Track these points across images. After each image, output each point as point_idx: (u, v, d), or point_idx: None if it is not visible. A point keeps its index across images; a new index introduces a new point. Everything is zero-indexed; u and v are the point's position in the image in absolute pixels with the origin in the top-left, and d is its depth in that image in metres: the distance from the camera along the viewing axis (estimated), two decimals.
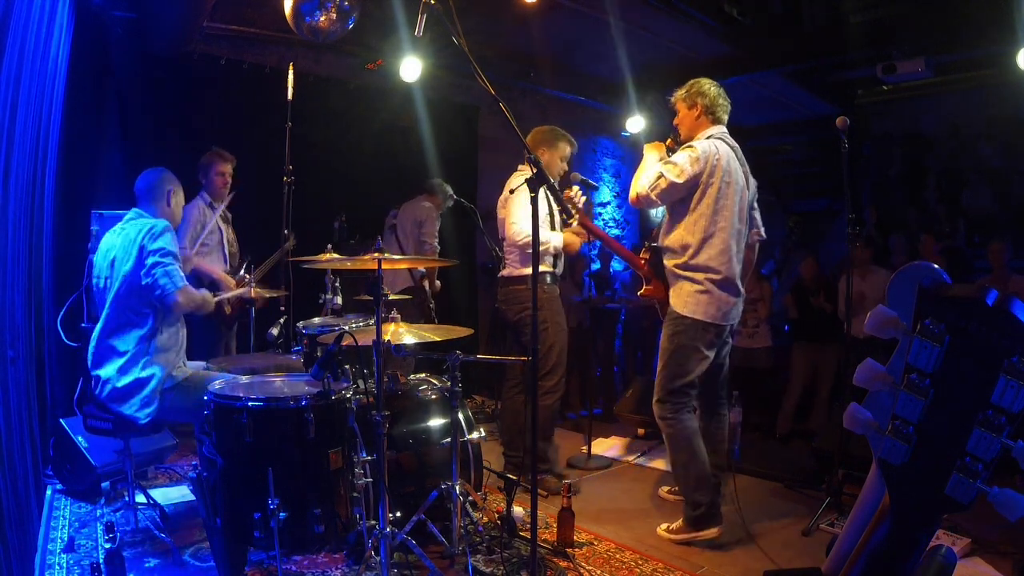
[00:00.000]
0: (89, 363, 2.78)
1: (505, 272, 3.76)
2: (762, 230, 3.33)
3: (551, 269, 3.72)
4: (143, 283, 2.69)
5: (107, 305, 2.77)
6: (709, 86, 3.22)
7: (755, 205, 3.24)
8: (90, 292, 3.01)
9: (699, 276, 3.01)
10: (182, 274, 2.76)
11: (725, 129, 3.18)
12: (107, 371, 2.71)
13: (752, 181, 3.19)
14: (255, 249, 4.37)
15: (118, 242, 2.79)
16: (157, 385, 2.70)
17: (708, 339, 3.03)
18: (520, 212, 3.54)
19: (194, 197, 4.10)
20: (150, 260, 2.68)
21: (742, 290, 3.11)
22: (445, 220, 5.75)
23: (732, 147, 3.12)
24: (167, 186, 2.93)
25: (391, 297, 3.18)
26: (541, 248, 3.73)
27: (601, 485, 3.87)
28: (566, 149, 3.84)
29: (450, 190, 5.29)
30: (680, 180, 2.98)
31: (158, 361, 2.74)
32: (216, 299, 3.15)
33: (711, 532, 2.99)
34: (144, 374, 2.70)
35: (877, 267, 5.05)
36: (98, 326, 2.79)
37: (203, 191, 4.15)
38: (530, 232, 3.47)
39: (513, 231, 3.59)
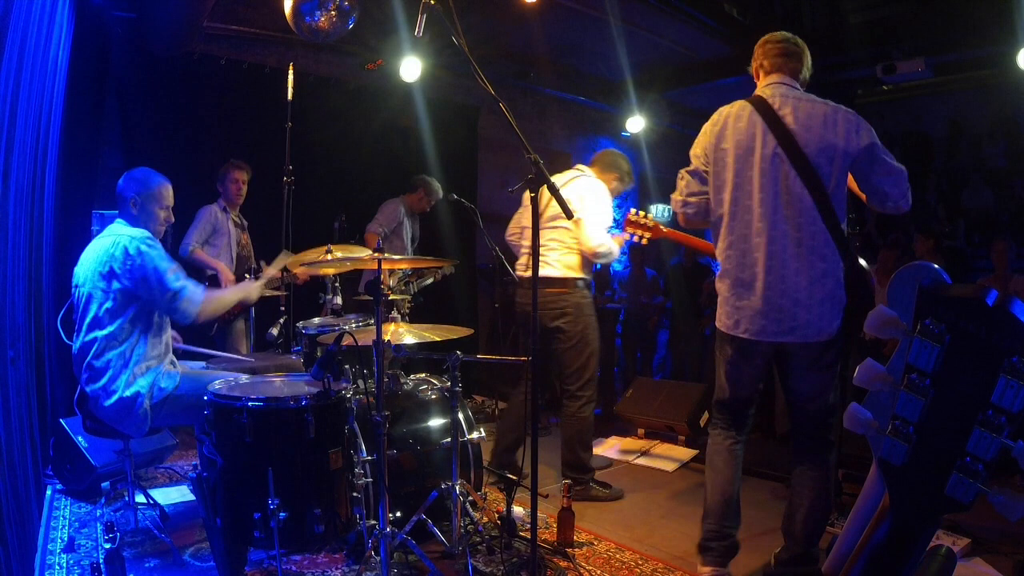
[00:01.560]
0: (78, 378, 2.73)
1: (542, 273, 3.49)
2: (889, 198, 2.39)
3: (586, 276, 3.57)
4: (170, 316, 2.67)
5: (84, 321, 2.66)
6: (769, 35, 2.59)
7: (869, 164, 2.37)
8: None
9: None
10: (193, 285, 2.69)
11: (777, 80, 2.51)
12: (92, 388, 2.64)
13: (845, 133, 2.34)
14: (254, 249, 4.38)
15: (92, 255, 2.67)
16: (145, 403, 2.62)
17: (729, 352, 2.52)
18: (600, 219, 3.42)
19: (211, 202, 4.33)
20: (167, 291, 2.59)
21: (762, 289, 2.38)
22: (445, 220, 5.75)
23: (764, 102, 2.44)
24: (129, 192, 2.75)
25: (392, 297, 3.18)
26: (611, 259, 3.63)
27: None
28: (622, 190, 3.75)
29: (437, 185, 5.18)
30: (693, 166, 2.62)
31: (140, 374, 2.64)
32: (262, 282, 3.08)
33: (700, 569, 2.61)
34: (128, 393, 2.60)
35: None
36: (77, 341, 2.69)
37: (220, 198, 4.37)
38: (606, 242, 3.45)
39: (595, 242, 3.42)
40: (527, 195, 3.63)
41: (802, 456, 2.53)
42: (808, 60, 2.58)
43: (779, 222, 2.38)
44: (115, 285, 2.60)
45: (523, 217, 3.69)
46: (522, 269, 3.63)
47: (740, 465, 2.59)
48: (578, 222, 3.41)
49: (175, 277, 2.64)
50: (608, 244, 3.47)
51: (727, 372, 2.57)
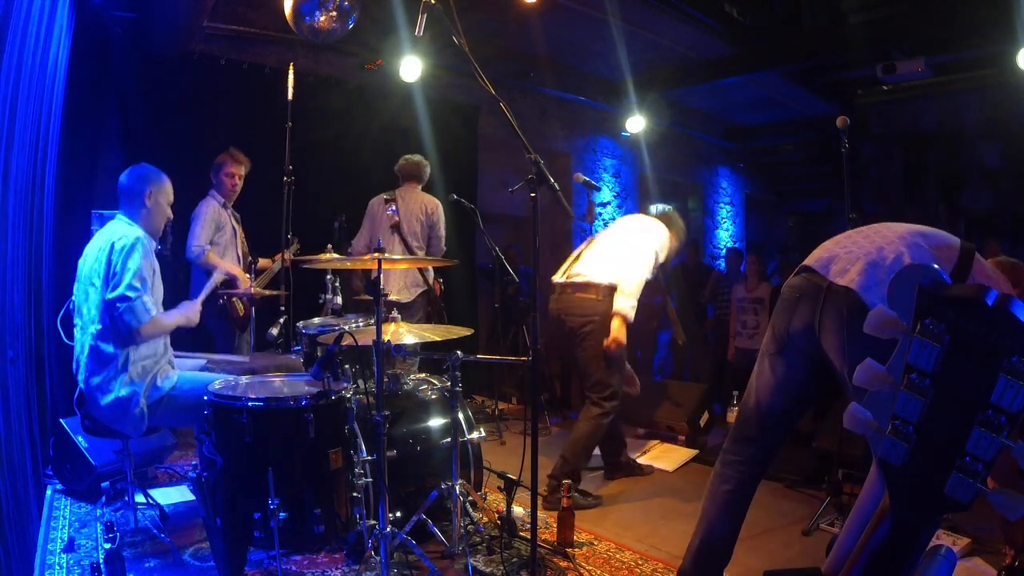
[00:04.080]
0: (76, 376, 2.73)
1: (577, 279, 3.53)
2: None
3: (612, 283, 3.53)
4: (111, 315, 2.59)
5: (82, 320, 2.68)
6: None
7: None
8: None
9: None
10: (148, 305, 2.62)
11: None
12: (89, 387, 2.65)
13: None
14: (255, 249, 4.38)
15: (92, 251, 2.68)
16: (141, 402, 2.62)
17: None
18: (644, 261, 3.48)
19: (204, 195, 4.12)
20: (116, 292, 2.55)
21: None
22: (445, 220, 5.73)
23: None
24: (145, 186, 2.76)
25: (396, 299, 3.18)
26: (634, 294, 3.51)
27: (601, 485, 3.87)
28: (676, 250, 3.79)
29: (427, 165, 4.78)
30: None
31: (136, 375, 2.63)
32: (202, 298, 3.06)
33: None
34: (124, 392, 2.60)
35: None
36: (76, 338, 2.70)
37: (213, 190, 4.14)
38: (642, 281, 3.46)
39: (634, 280, 3.44)
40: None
41: None
42: None
43: None
44: (105, 282, 2.60)
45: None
46: (558, 276, 3.66)
47: (739, 516, 2.27)
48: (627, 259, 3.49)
49: (132, 286, 2.57)
50: (634, 303, 3.44)
51: None
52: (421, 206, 4.59)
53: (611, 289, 3.46)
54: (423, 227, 4.57)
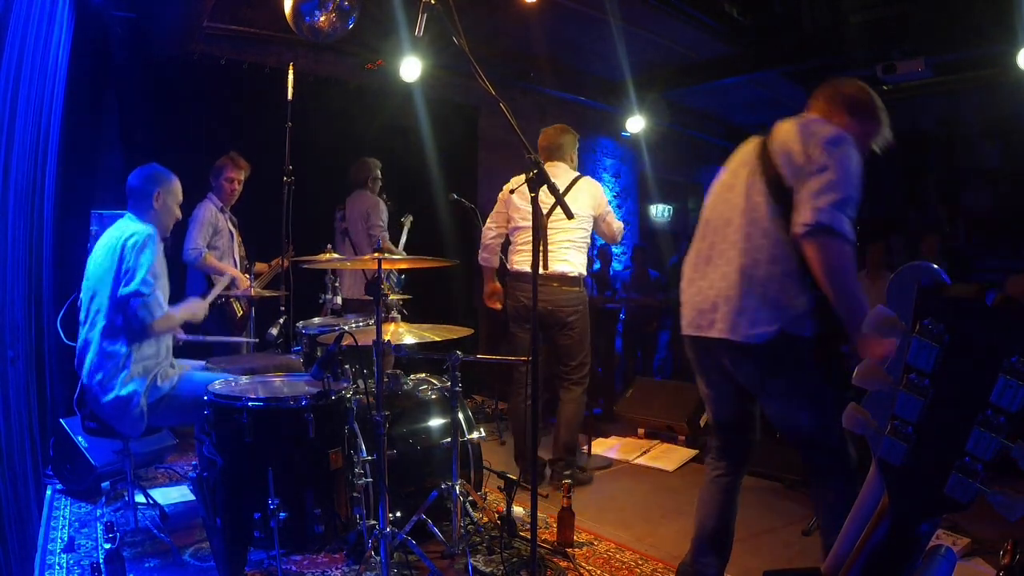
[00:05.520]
0: (79, 372, 2.73)
1: (559, 270, 3.61)
2: None
3: (585, 272, 3.79)
4: (123, 311, 2.59)
5: (88, 317, 2.69)
6: None
7: None
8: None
9: None
10: (161, 300, 2.64)
11: None
12: (91, 384, 2.65)
13: None
14: (254, 249, 4.38)
15: (101, 248, 2.69)
16: (141, 401, 2.62)
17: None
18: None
19: (203, 198, 4.12)
20: (130, 287, 2.55)
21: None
22: (445, 220, 5.73)
23: None
24: (153, 187, 2.78)
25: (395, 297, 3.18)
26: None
27: (601, 485, 3.87)
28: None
29: (375, 164, 4.91)
30: None
31: (137, 373, 2.64)
32: (209, 300, 3.09)
33: None
34: (125, 392, 2.61)
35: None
36: (80, 334, 2.71)
37: (212, 193, 4.16)
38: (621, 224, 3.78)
39: (619, 228, 3.83)
40: (511, 195, 3.78)
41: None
42: None
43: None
44: (117, 279, 2.61)
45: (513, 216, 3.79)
46: (523, 265, 3.71)
47: (728, 501, 2.40)
48: (608, 222, 3.78)
49: (147, 282, 2.58)
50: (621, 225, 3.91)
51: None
52: (363, 209, 4.76)
53: (584, 279, 3.77)
54: (364, 228, 4.73)
